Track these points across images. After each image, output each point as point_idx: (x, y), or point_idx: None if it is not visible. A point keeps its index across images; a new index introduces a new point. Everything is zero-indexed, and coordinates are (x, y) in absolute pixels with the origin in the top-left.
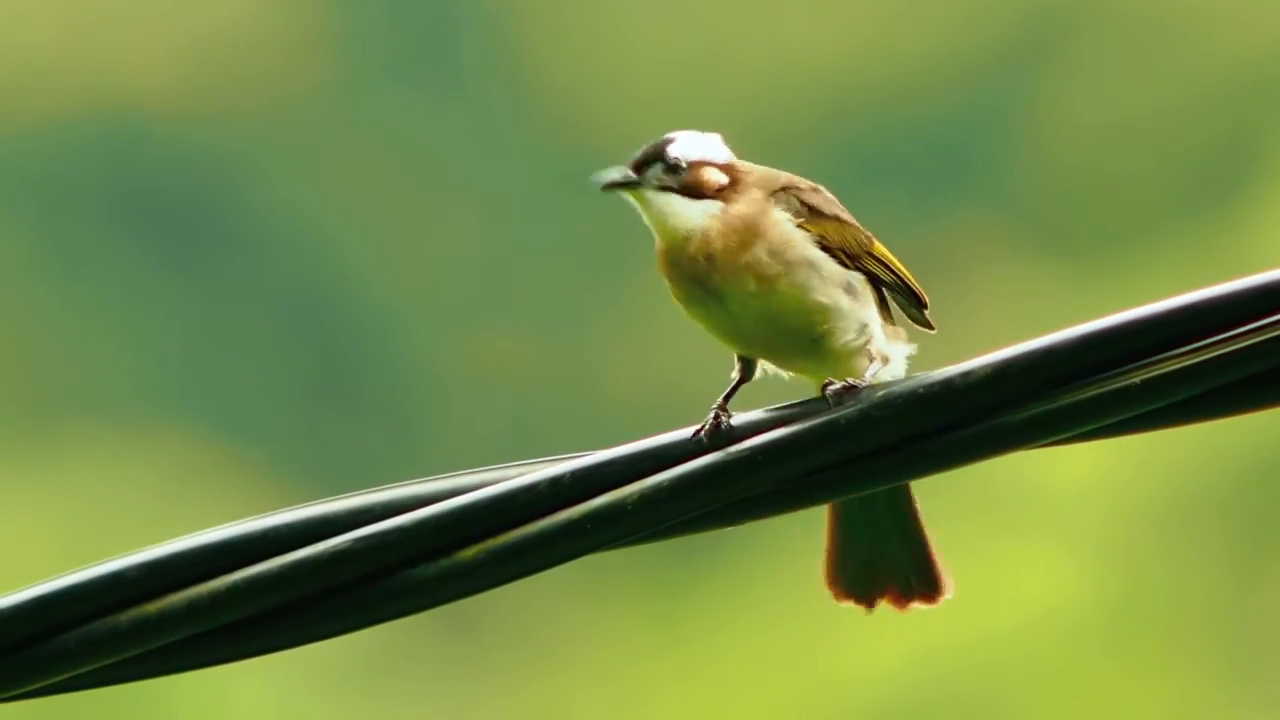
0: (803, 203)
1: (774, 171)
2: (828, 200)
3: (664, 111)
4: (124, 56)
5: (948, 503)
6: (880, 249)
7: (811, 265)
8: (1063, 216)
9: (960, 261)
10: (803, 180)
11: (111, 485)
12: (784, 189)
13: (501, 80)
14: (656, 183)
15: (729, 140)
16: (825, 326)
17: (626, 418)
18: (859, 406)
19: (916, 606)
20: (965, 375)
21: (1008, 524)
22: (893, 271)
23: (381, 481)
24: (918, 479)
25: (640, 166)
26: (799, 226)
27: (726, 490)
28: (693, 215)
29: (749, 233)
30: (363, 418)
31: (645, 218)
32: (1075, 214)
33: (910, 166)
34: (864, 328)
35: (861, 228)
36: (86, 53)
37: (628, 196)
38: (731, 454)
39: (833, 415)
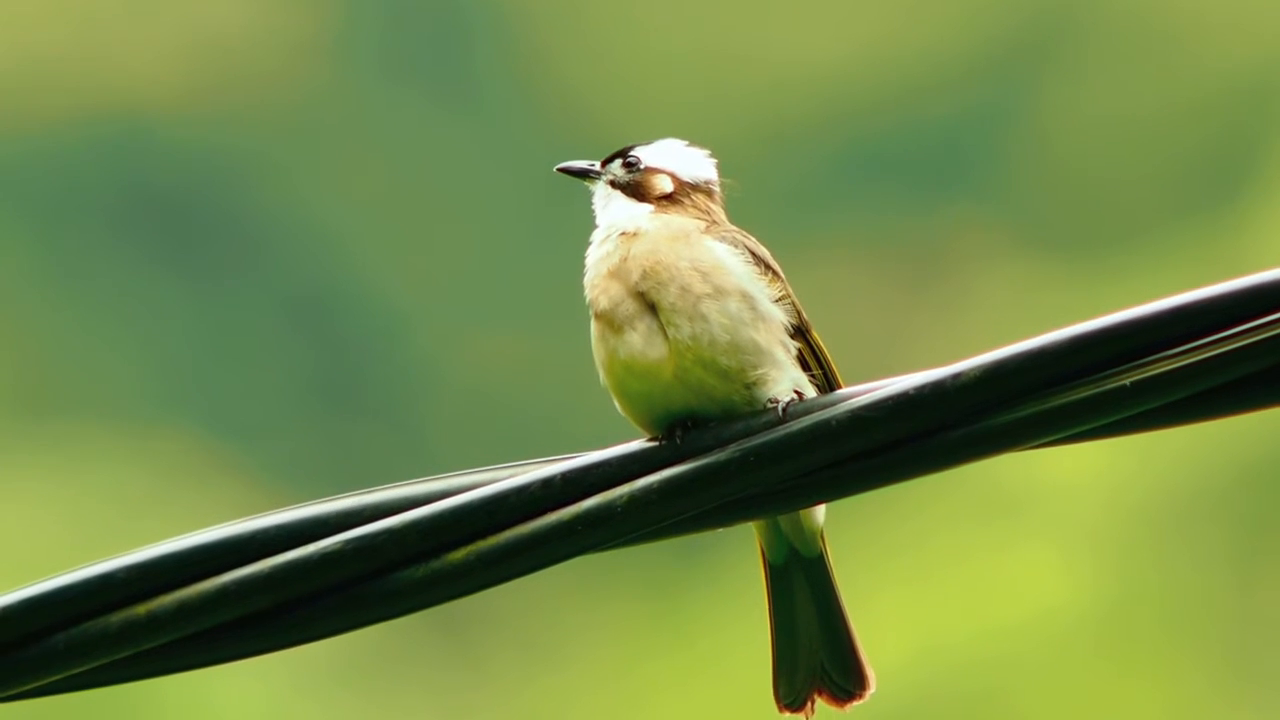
0: (753, 252)
1: (737, 228)
2: (779, 267)
3: (667, 113)
4: (128, 59)
5: (947, 501)
6: (816, 337)
7: (745, 297)
8: (1061, 217)
9: (959, 260)
10: (759, 245)
11: (115, 486)
12: (732, 233)
13: (504, 82)
14: (610, 177)
15: (730, 145)
16: (759, 371)
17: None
18: (850, 408)
19: (852, 706)
20: (956, 377)
21: (1005, 523)
22: (821, 363)
23: (384, 482)
24: (909, 481)
25: (608, 160)
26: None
27: (717, 492)
28: (626, 212)
29: (674, 239)
30: (365, 418)
31: (597, 213)
32: (1074, 214)
33: (910, 166)
34: (799, 394)
35: (803, 309)
36: (90, 55)
37: (587, 185)
38: (721, 456)
39: (824, 417)
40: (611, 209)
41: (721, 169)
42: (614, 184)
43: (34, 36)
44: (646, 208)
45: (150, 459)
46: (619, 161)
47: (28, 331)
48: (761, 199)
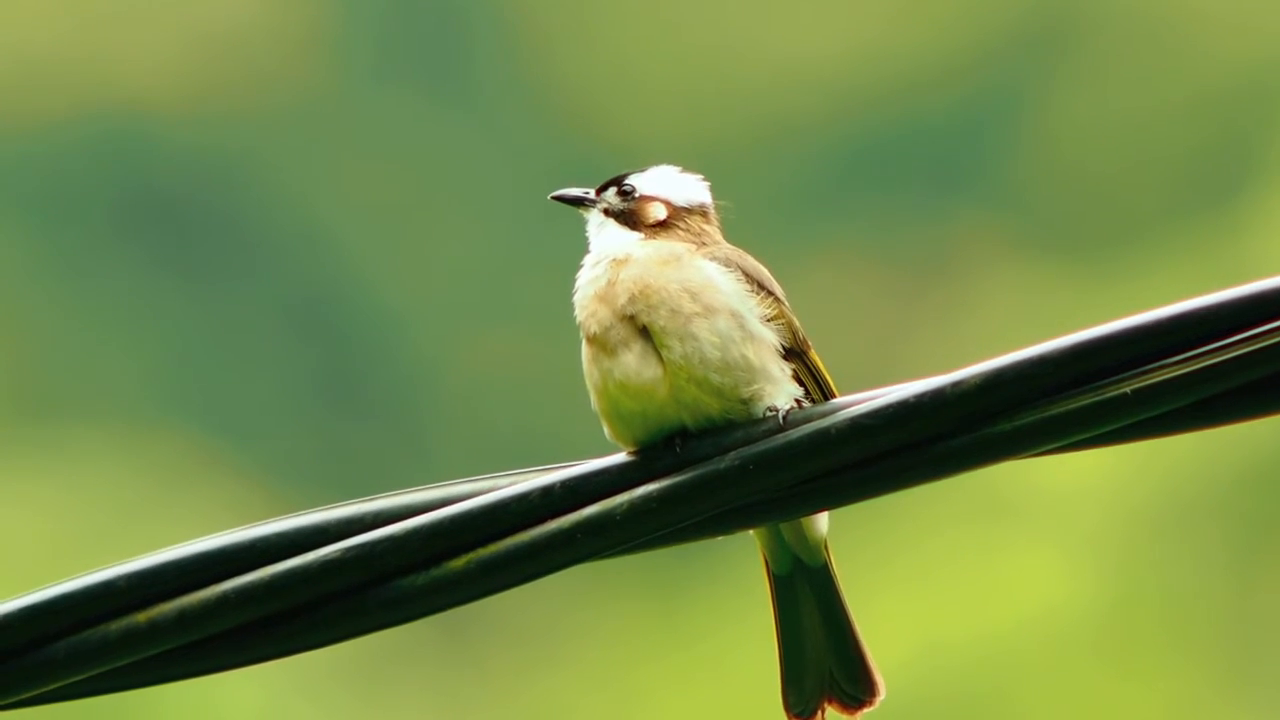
0: (745, 272)
1: (734, 248)
2: (777, 287)
3: (667, 113)
4: (128, 57)
5: (947, 503)
6: (815, 357)
7: (734, 315)
8: (1063, 218)
9: (961, 262)
10: (757, 266)
11: (113, 487)
12: (725, 253)
13: (504, 81)
14: (605, 205)
15: (731, 145)
16: (754, 387)
17: None
18: (850, 416)
19: (862, 713)
20: (956, 385)
21: (1006, 525)
22: (820, 386)
23: (386, 484)
24: (909, 489)
25: (603, 188)
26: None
27: (717, 500)
28: (618, 240)
29: (665, 263)
30: (364, 419)
31: (590, 240)
32: (1076, 216)
33: (911, 167)
34: (799, 402)
35: (801, 329)
36: (90, 54)
37: (581, 213)
38: (721, 464)
39: (823, 425)
40: (604, 237)
41: (722, 172)
42: (608, 212)
43: (33, 36)
44: (637, 235)
45: (149, 460)
46: (614, 190)
47: (26, 332)
48: (761, 200)
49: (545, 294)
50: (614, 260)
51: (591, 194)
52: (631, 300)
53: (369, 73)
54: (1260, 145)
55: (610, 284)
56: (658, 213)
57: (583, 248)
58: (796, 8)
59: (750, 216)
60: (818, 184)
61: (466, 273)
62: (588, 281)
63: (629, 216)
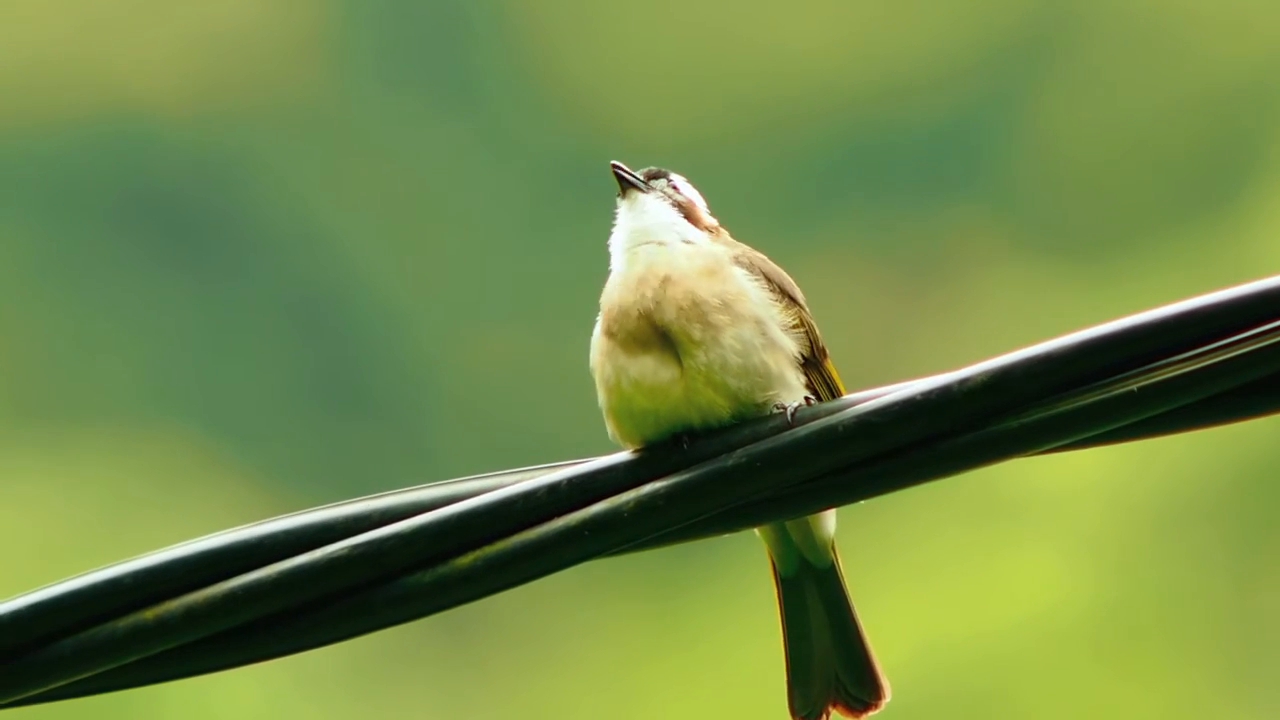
0: (768, 277)
1: (753, 250)
2: (799, 293)
3: (667, 113)
4: (130, 58)
5: (948, 503)
6: (830, 367)
7: (759, 323)
8: (1061, 218)
9: (959, 262)
10: (778, 270)
11: (113, 488)
12: (749, 258)
13: (503, 82)
14: (661, 192)
15: (733, 146)
16: (770, 393)
17: None
18: (857, 413)
19: (867, 716)
20: (963, 382)
21: (1006, 524)
22: (834, 395)
23: (386, 484)
24: (915, 486)
25: (649, 178)
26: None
27: (724, 497)
28: (681, 232)
29: (711, 274)
30: (364, 419)
31: (624, 223)
32: (1074, 216)
33: (910, 166)
34: (807, 400)
35: (821, 338)
36: (92, 55)
37: (621, 201)
38: (729, 462)
39: (831, 422)
40: (666, 221)
41: (722, 170)
42: (672, 202)
43: (34, 36)
44: (703, 234)
45: (149, 461)
46: (665, 181)
47: (26, 332)
48: (760, 199)
49: (545, 294)
50: (665, 278)
51: (641, 179)
52: (679, 313)
53: (369, 73)
54: (1259, 145)
55: (658, 304)
56: (710, 219)
57: (580, 249)
58: (798, 7)
59: (750, 214)
60: (816, 183)
61: (466, 273)
62: (632, 302)
63: (685, 210)
